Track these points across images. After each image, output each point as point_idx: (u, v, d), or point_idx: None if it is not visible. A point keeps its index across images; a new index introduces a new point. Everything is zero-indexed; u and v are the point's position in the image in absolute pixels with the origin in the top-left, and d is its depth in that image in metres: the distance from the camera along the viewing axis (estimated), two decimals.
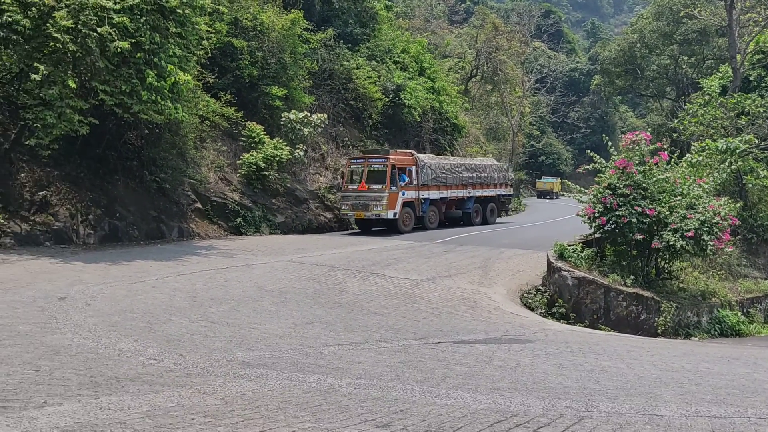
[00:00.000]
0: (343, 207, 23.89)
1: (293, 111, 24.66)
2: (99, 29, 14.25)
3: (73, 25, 14.09)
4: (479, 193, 28.48)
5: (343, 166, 26.29)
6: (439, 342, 9.57)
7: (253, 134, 23.32)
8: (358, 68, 30.62)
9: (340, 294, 12.93)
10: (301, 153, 24.52)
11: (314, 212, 25.15)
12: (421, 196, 24.83)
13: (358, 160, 24.24)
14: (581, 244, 16.22)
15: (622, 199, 14.58)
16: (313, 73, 28.20)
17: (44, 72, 14.13)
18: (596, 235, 15.85)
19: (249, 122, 23.55)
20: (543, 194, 66.04)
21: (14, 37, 13.85)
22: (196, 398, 5.22)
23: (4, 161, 16.54)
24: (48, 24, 14.01)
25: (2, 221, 15.48)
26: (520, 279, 16.65)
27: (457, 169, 26.95)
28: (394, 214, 23.28)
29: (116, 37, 14.47)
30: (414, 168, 24.51)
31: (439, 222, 26.66)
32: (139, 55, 15.11)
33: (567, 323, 13.86)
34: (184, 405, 4.93)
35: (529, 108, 60.57)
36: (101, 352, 7.10)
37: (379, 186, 23.09)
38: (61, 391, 5.20)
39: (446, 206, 27.00)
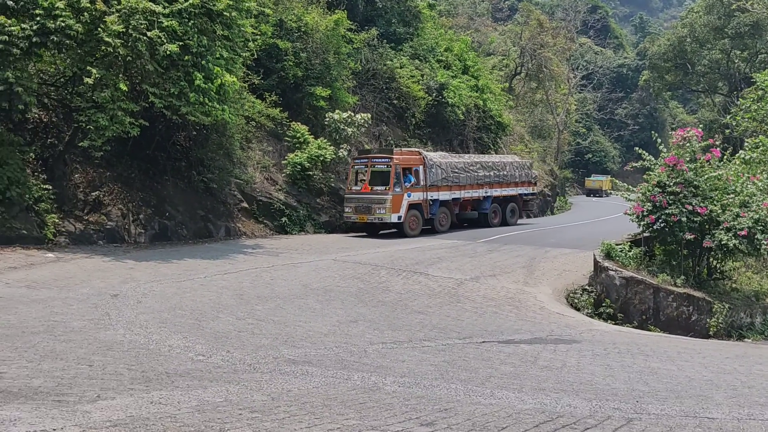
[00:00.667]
0: (346, 210, 22.28)
1: (337, 111, 24.81)
2: (149, 33, 14.60)
3: (123, 30, 14.47)
4: (498, 192, 26.70)
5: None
6: (483, 341, 9.52)
7: (298, 134, 23.57)
8: (401, 67, 30.63)
9: (384, 293, 12.97)
10: (345, 153, 24.66)
11: None
12: (429, 198, 23.16)
13: (361, 161, 22.73)
14: (629, 243, 15.89)
15: (672, 197, 14.24)
16: (356, 73, 28.33)
17: (96, 75, 14.54)
18: (645, 234, 15.52)
19: (293, 122, 23.81)
20: (592, 192, 64.98)
21: (67, 41, 14.28)
22: (243, 394, 5.31)
23: (58, 162, 17.09)
24: (99, 29, 14.41)
25: (57, 221, 15.99)
26: (565, 279, 16.43)
27: (471, 167, 25.22)
28: (399, 218, 21.75)
29: (165, 41, 14.81)
30: (421, 168, 22.88)
31: (452, 224, 25.05)
32: (187, 57, 15.42)
33: (614, 324, 13.61)
34: (232, 400, 5.02)
35: (575, 105, 59.68)
36: (152, 348, 7.28)
37: (383, 188, 21.60)
38: (114, 385, 5.36)
39: (460, 207, 25.44)
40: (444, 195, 23.94)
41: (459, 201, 24.94)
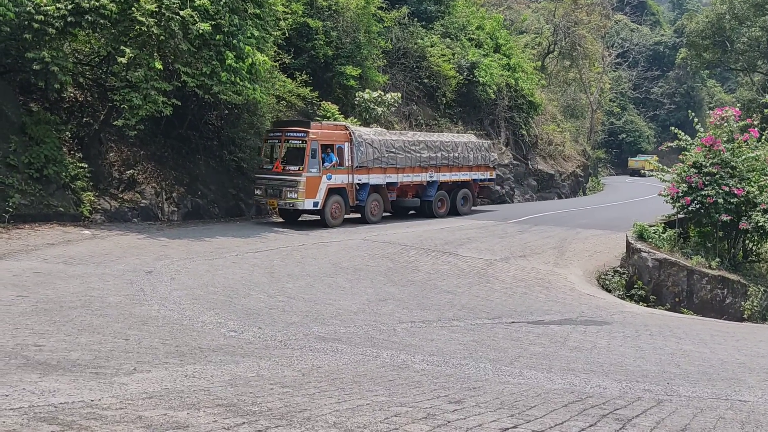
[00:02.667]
0: (256, 192, 18.76)
1: (367, 90, 24.74)
2: (181, 12, 14.68)
3: (156, 9, 14.57)
4: (446, 177, 22.62)
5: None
6: (512, 322, 9.51)
7: (328, 114, 23.56)
8: (432, 46, 30.35)
9: (413, 272, 13.01)
10: None
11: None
12: (356, 181, 19.34)
13: (274, 134, 18.86)
14: (663, 225, 15.68)
15: (708, 178, 13.98)
16: (387, 52, 28.16)
17: (130, 55, 14.70)
18: (679, 216, 15.29)
19: (324, 102, 23.80)
20: (635, 172, 64.03)
21: (101, 21, 14.44)
22: (274, 369, 5.40)
23: (94, 141, 17.37)
24: (133, 8, 14.53)
25: (93, 198, 16.30)
26: (597, 260, 16.29)
27: (413, 147, 21.27)
28: (315, 204, 18.08)
29: (197, 20, 14.88)
30: (347, 145, 19.06)
31: (392, 213, 21.85)
32: (218, 37, 15.49)
33: (646, 306, 13.48)
34: (264, 375, 5.11)
35: (609, 84, 58.57)
36: (185, 324, 7.43)
37: (295, 168, 17.89)
38: (149, 359, 5.48)
39: (398, 193, 21.41)
40: (376, 178, 20.09)
41: (396, 186, 21.00)
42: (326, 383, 4.97)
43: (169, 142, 19.03)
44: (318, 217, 18.96)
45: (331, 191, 18.57)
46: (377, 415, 3.91)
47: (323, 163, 18.22)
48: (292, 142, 18.25)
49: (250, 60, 16.27)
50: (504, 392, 5.06)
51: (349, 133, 19.30)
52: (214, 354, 5.90)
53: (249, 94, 16.90)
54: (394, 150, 20.52)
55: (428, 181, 22.01)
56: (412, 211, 22.62)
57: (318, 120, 20.60)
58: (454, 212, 22.99)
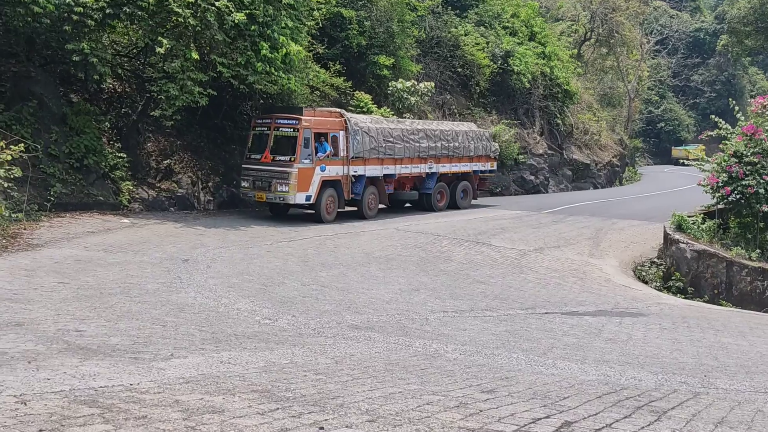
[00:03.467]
0: (243, 184, 17.13)
1: (400, 80, 24.67)
2: (217, 3, 14.81)
3: (193, 0, 14.72)
4: (446, 168, 21.08)
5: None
6: (546, 312, 9.45)
7: (361, 103, 23.57)
8: (466, 35, 30.10)
9: (446, 262, 12.99)
10: None
11: None
12: (352, 173, 17.71)
13: (263, 122, 17.24)
14: (702, 216, 15.36)
15: (749, 167, 13.65)
16: (420, 41, 28.02)
17: (167, 46, 14.88)
18: (719, 206, 14.97)
19: (357, 92, 23.81)
20: (681, 162, 62.87)
21: (139, 13, 14.63)
22: (308, 357, 5.46)
23: (132, 132, 17.68)
24: (170, 0, 14.70)
25: (131, 187, 16.61)
26: (633, 251, 16.07)
27: (411, 136, 19.66)
28: (308, 198, 16.56)
29: (233, 10, 15.00)
30: (342, 134, 17.43)
31: (389, 206, 19.90)
32: (253, 27, 15.59)
33: (684, 298, 13.25)
34: (297, 362, 5.17)
35: (648, 72, 57.39)
36: (221, 311, 7.55)
37: (287, 158, 16.44)
38: (186, 345, 5.59)
39: (396, 185, 19.92)
40: (372, 170, 18.40)
41: (393, 178, 19.55)
42: (359, 371, 5.02)
43: (204, 132, 19.26)
44: (311, 212, 17.43)
45: (325, 184, 16.97)
46: (409, 403, 3.93)
47: (316, 153, 16.71)
48: (283, 130, 16.63)
49: (285, 50, 16.35)
50: (537, 382, 5.04)
51: (345, 120, 17.61)
52: (249, 341, 5.99)
53: (283, 84, 17.01)
54: (392, 139, 18.90)
55: (427, 173, 20.47)
56: (407, 204, 21.19)
57: (312, 107, 18.32)
58: (453, 206, 21.55)
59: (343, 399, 3.95)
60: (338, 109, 18.53)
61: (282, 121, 16.75)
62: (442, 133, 20.86)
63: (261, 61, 15.83)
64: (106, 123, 17.02)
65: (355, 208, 18.37)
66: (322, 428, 3.29)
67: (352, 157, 17.60)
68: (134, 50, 18.32)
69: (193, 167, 18.40)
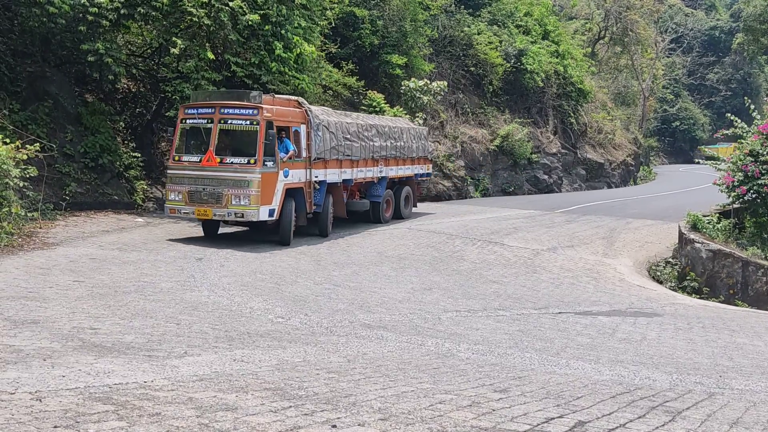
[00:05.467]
0: (170, 197, 12.83)
1: (413, 79, 24.66)
2: (231, 3, 14.88)
3: (206, 0, 14.80)
4: (393, 171, 17.54)
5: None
6: (559, 312, 9.41)
7: (374, 103, 23.60)
8: (478, 34, 30.04)
9: (459, 262, 12.96)
10: (421, 121, 24.54)
11: (433, 180, 25.16)
12: (314, 179, 13.98)
13: (202, 112, 12.91)
14: (717, 215, 15.24)
15: (765, 166, 13.52)
16: (433, 41, 28.00)
17: (181, 46, 14.98)
18: (735, 206, 14.84)
19: (370, 91, 23.84)
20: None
21: (153, 13, 14.73)
22: (320, 355, 5.47)
23: (146, 131, 17.80)
24: (184, 0, 14.80)
25: (146, 187, 16.72)
26: (648, 251, 15.95)
27: (365, 133, 16.16)
28: (271, 212, 12.56)
29: (246, 11, 15.06)
30: (303, 129, 13.83)
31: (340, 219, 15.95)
32: (267, 27, 15.65)
33: (699, 298, 13.14)
34: (310, 361, 5.18)
35: (663, 70, 57.01)
36: (234, 309, 7.58)
37: (243, 161, 12.43)
38: (200, 343, 5.62)
39: (348, 194, 15.97)
40: (332, 174, 14.73)
41: (351, 184, 15.74)
42: (371, 369, 5.02)
43: None
44: (246, 228, 14.42)
45: (288, 193, 13.05)
46: (422, 402, 3.93)
47: (280, 153, 12.83)
48: (234, 122, 12.64)
49: (298, 50, 16.40)
50: (550, 382, 5.02)
51: (305, 111, 13.99)
52: (261, 339, 6.01)
53: (296, 84, 17.04)
54: (349, 136, 15.35)
55: (378, 178, 16.86)
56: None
57: (269, 93, 14.19)
58: (396, 215, 18.08)
59: (356, 397, 3.95)
60: (295, 97, 14.53)
61: (233, 111, 12.66)
62: (390, 130, 17.45)
63: (275, 60, 15.89)
64: (121, 123, 17.15)
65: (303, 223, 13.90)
66: (334, 426, 3.30)
67: (314, 159, 13.91)
68: (148, 50, 18.45)
69: None
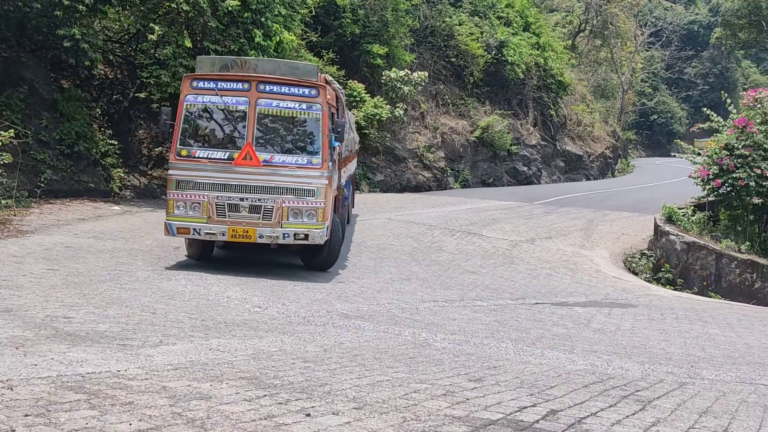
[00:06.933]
0: (175, 209, 9.23)
1: (394, 69, 24.61)
2: None
3: None
4: (351, 168, 15.08)
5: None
6: (536, 303, 9.49)
7: (354, 93, 23.52)
8: (460, 24, 30.04)
9: (437, 252, 13.01)
10: (401, 112, 24.52)
11: (413, 171, 25.21)
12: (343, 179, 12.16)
13: (225, 87, 9.41)
14: (692, 208, 15.45)
15: (740, 160, 13.72)
16: (414, 31, 27.94)
17: (159, 32, 14.79)
18: (709, 198, 15.04)
19: (350, 81, 23.75)
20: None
21: None
22: (297, 345, 5.47)
23: (123, 118, 17.58)
24: None
25: (123, 175, 16.53)
26: (624, 242, 16.13)
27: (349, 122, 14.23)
28: (327, 231, 9.49)
29: None
30: (338, 113, 11.45)
31: None
32: (246, 14, 15.51)
33: (673, 289, 13.34)
34: (286, 350, 5.18)
35: (641, 64, 57.45)
36: (211, 299, 7.54)
37: (301, 159, 9.35)
38: (175, 332, 5.59)
39: None
40: (345, 175, 12.66)
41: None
42: (347, 359, 5.03)
43: None
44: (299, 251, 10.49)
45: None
46: (397, 391, 3.95)
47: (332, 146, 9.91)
48: (282, 105, 9.41)
49: (278, 38, 16.29)
50: (524, 372, 5.07)
51: (336, 90, 11.71)
52: (238, 328, 5.99)
53: None
54: (348, 126, 13.24)
55: (348, 176, 14.01)
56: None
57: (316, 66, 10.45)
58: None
59: (331, 386, 3.96)
60: (324, 74, 11.48)
61: (280, 90, 9.43)
62: (348, 119, 14.57)
63: (254, 48, 15.75)
64: (97, 109, 16.91)
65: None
66: (308, 415, 3.30)
67: (344, 156, 11.87)
68: (126, 36, 18.18)
69: None
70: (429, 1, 29.25)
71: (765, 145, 13.74)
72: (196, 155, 9.31)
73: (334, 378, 4.24)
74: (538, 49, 33.81)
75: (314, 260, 10.22)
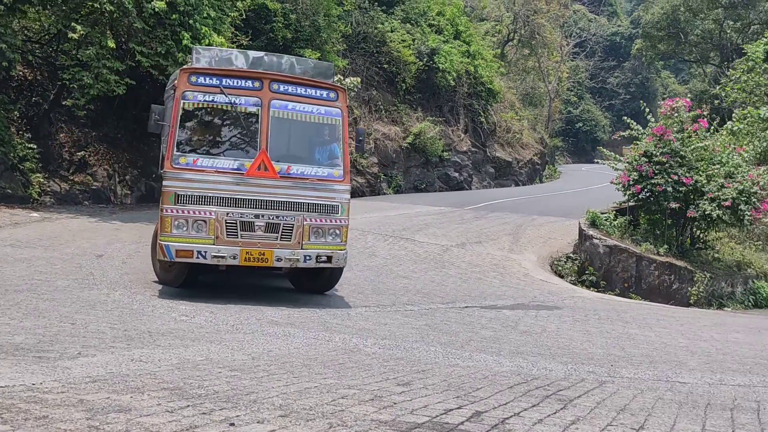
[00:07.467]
0: (173, 228, 7.88)
1: None
2: None
3: None
4: None
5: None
6: (466, 306, 9.64)
7: None
8: (392, 31, 30.28)
9: (370, 258, 13.04)
10: None
11: None
12: None
13: (231, 85, 8.16)
14: (614, 212, 16.03)
15: (658, 167, 14.32)
16: (346, 36, 28.00)
17: (81, 32, 14.32)
18: (630, 204, 15.65)
19: None
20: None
21: None
22: (224, 353, 5.37)
23: (43, 121, 16.88)
24: None
25: (42, 180, 15.87)
26: (551, 246, 16.58)
27: None
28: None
29: None
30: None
31: None
32: (174, 16, 15.19)
33: (597, 291, 13.80)
34: (213, 359, 5.08)
35: (567, 73, 59.32)
36: (135, 308, 7.32)
37: (321, 171, 8.54)
38: (96, 343, 5.39)
39: None
40: None
41: None
42: (276, 367, 4.97)
43: (122, 124, 18.62)
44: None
45: None
46: (324, 398, 3.93)
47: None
48: (298, 109, 8.44)
49: (207, 41, 16.00)
50: (452, 375, 5.13)
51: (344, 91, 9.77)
52: (163, 338, 5.84)
53: None
54: None
55: None
56: None
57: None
58: None
59: (257, 395, 3.91)
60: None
61: (296, 91, 8.42)
62: None
63: (182, 51, 15.44)
64: (16, 112, 16.20)
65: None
66: (232, 424, 3.25)
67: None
68: (46, 36, 17.51)
69: (110, 159, 17.77)
70: (361, 7, 29.37)
71: (681, 153, 14.40)
72: (199, 164, 8.01)
73: (260, 386, 4.18)
74: (468, 57, 34.43)
75: (315, 282, 9.27)
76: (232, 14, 18.63)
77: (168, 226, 7.86)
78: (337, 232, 8.40)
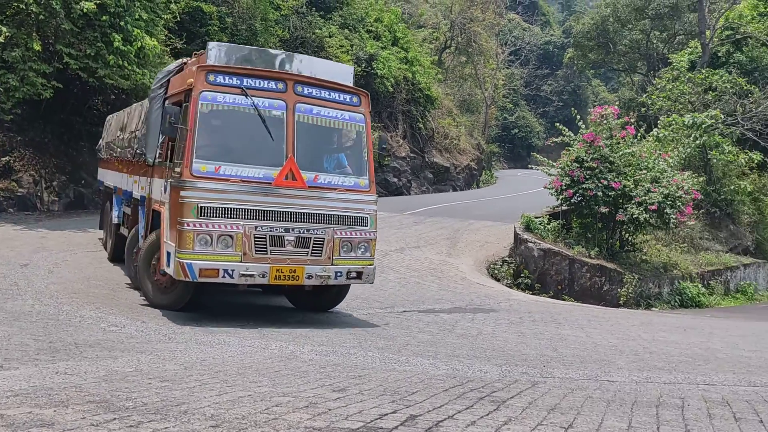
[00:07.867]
0: (195, 244, 7.07)
1: None
2: None
3: None
4: None
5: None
6: (404, 311, 9.68)
7: None
8: (330, 37, 30.27)
9: None
10: None
11: None
12: None
13: (253, 86, 7.50)
14: (548, 216, 16.42)
15: (589, 172, 14.75)
16: (284, 41, 27.80)
17: (7, 34, 13.76)
18: (563, 208, 16.05)
19: None
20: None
21: None
22: (155, 364, 5.23)
23: None
24: None
25: None
26: (487, 250, 16.84)
27: None
28: None
29: None
30: None
31: None
32: (104, 17, 14.76)
33: (532, 294, 14.10)
34: (143, 370, 4.94)
35: (503, 81, 60.55)
36: (62, 319, 7.05)
37: (348, 181, 8.06)
38: (18, 356, 5.17)
39: None
40: None
41: None
42: (209, 376, 4.87)
43: (49, 128, 17.95)
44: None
45: None
46: (258, 406, 3.88)
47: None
48: (324, 114, 7.94)
49: (139, 43, 15.63)
50: (389, 379, 5.14)
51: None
52: (90, 349, 5.64)
53: (137, 79, 16.20)
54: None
55: None
56: None
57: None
58: None
59: (188, 405, 3.82)
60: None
61: (321, 94, 7.96)
62: None
63: (113, 53, 15.03)
64: None
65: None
66: None
67: None
68: None
69: (36, 165, 17.09)
70: (299, 12, 29.25)
71: (610, 158, 14.88)
72: (222, 172, 7.27)
73: (192, 396, 4.09)
74: (406, 64, 34.72)
75: (319, 299, 8.81)
76: (166, 17, 18.25)
77: (190, 242, 7.04)
78: (367, 245, 8.00)
